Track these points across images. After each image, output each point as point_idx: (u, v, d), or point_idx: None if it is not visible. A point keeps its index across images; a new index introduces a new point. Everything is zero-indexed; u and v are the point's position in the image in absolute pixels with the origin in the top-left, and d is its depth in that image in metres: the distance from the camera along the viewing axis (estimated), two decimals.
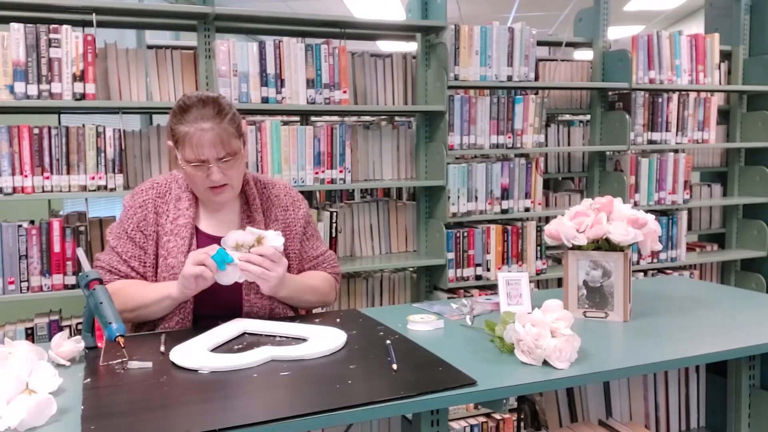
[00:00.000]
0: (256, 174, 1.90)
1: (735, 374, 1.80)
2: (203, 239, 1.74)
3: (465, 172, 3.18)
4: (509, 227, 3.26)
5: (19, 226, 2.50)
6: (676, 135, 3.68)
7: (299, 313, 1.86)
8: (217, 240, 1.69)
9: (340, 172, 2.95)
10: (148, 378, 1.33)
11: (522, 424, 1.82)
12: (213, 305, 1.70)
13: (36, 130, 2.51)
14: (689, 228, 4.06)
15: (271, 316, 1.75)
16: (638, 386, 1.84)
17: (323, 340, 1.52)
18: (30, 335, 2.59)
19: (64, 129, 2.54)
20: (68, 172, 2.56)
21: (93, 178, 2.58)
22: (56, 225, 2.53)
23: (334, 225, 2.99)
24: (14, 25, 2.45)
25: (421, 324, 1.69)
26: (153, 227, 1.74)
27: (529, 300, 1.78)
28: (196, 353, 1.43)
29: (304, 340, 1.54)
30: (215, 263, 1.58)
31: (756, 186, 3.93)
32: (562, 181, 4.39)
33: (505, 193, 3.28)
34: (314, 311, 1.93)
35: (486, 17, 4.56)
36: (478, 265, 3.20)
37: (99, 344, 1.50)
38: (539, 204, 3.38)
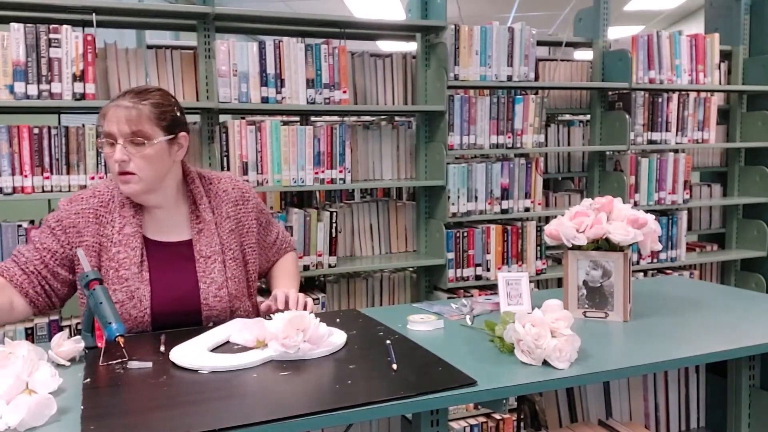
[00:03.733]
0: (200, 170, 1.85)
1: (735, 374, 1.80)
2: (153, 248, 1.70)
3: (465, 172, 3.18)
4: (509, 227, 3.26)
5: (19, 226, 2.50)
6: (676, 135, 3.68)
7: (260, 311, 1.80)
8: (167, 246, 1.70)
9: (340, 172, 2.95)
10: (148, 378, 1.33)
11: (522, 424, 1.82)
12: (171, 314, 1.68)
13: (36, 130, 2.51)
14: (689, 228, 4.06)
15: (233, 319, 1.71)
16: (638, 386, 1.84)
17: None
18: (30, 335, 2.59)
19: (63, 129, 2.54)
20: (68, 172, 2.56)
21: (93, 178, 2.58)
22: None
23: (334, 225, 2.98)
24: (14, 25, 2.45)
25: (421, 324, 1.69)
26: (95, 238, 1.67)
27: (529, 300, 1.78)
28: (196, 353, 1.43)
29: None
30: None
31: (756, 186, 3.93)
32: (562, 181, 4.38)
33: (505, 193, 3.28)
34: (313, 311, 1.92)
35: (486, 17, 4.55)
36: (478, 265, 3.20)
37: (99, 344, 1.50)
38: (539, 204, 3.38)
